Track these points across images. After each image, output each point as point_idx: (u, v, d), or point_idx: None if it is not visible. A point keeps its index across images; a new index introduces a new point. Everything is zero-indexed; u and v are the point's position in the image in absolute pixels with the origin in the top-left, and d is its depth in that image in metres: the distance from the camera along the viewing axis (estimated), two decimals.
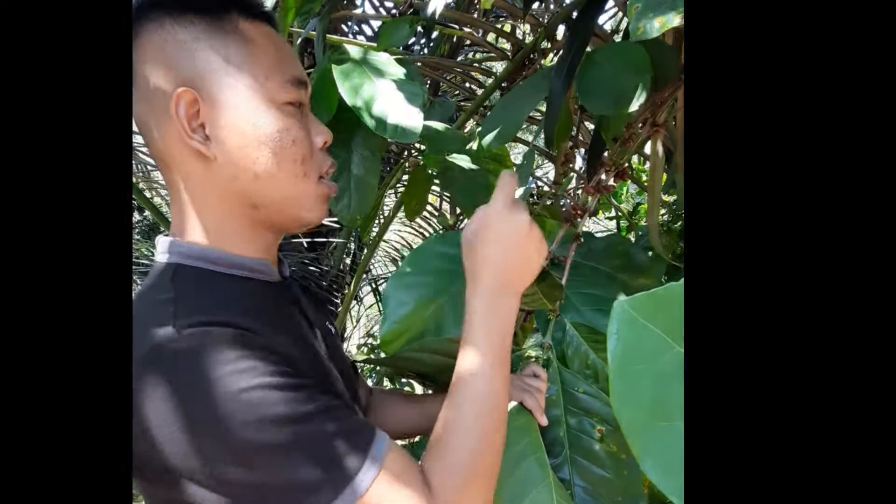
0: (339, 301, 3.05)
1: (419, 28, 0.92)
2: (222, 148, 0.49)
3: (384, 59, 0.74)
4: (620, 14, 1.29)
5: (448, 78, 1.62)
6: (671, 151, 1.02)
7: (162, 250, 0.51)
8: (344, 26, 1.86)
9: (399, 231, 2.95)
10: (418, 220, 2.42)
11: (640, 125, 0.70)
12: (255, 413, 0.40)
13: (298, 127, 0.51)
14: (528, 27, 1.42)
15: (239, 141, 0.49)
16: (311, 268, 2.95)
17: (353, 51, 0.74)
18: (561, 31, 1.16)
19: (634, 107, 0.63)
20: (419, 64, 1.30)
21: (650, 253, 0.85)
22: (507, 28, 1.60)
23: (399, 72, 0.72)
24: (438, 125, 0.94)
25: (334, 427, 0.42)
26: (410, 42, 1.63)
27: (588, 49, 0.74)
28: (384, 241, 2.79)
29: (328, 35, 1.00)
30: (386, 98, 0.69)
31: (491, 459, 0.46)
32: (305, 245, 2.86)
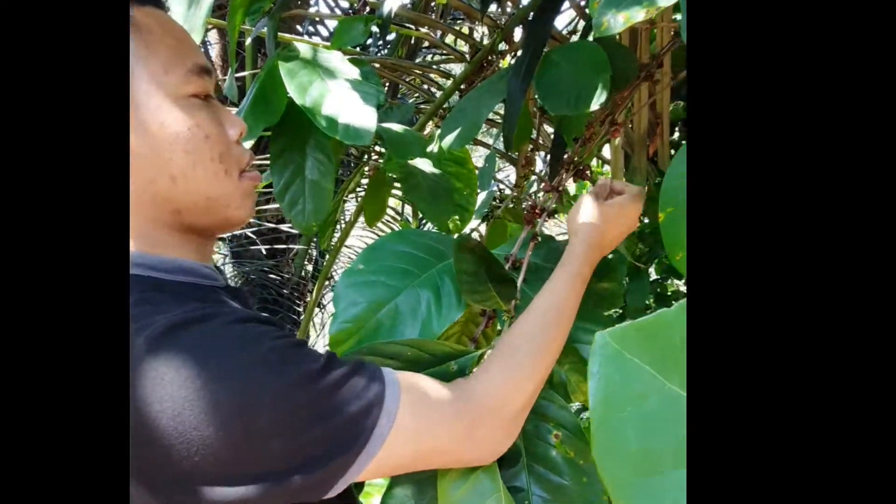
0: (301, 309, 2.99)
1: (376, 29, 0.90)
2: (133, 152, 0.45)
3: (336, 57, 0.71)
4: (577, 17, 1.30)
5: (407, 80, 1.60)
6: (629, 155, 1.03)
7: None
8: (299, 27, 1.82)
9: (361, 237, 2.92)
10: (381, 224, 2.39)
11: (601, 124, 0.70)
12: (290, 374, 0.39)
13: (210, 121, 0.47)
14: (485, 29, 1.42)
15: (148, 143, 0.45)
16: (272, 275, 2.89)
17: (303, 48, 0.72)
18: (518, 33, 1.16)
19: (595, 106, 0.62)
20: (376, 65, 1.28)
21: (610, 255, 0.85)
22: (465, 30, 1.60)
23: (352, 71, 0.70)
24: (399, 128, 0.92)
25: (345, 369, 0.42)
26: (367, 44, 1.61)
27: (545, 49, 0.74)
28: (346, 246, 2.75)
29: (282, 35, 0.98)
30: (337, 97, 0.66)
31: (540, 370, 0.50)
32: (264, 252, 2.79)
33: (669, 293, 1.97)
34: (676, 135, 1.45)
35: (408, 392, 0.43)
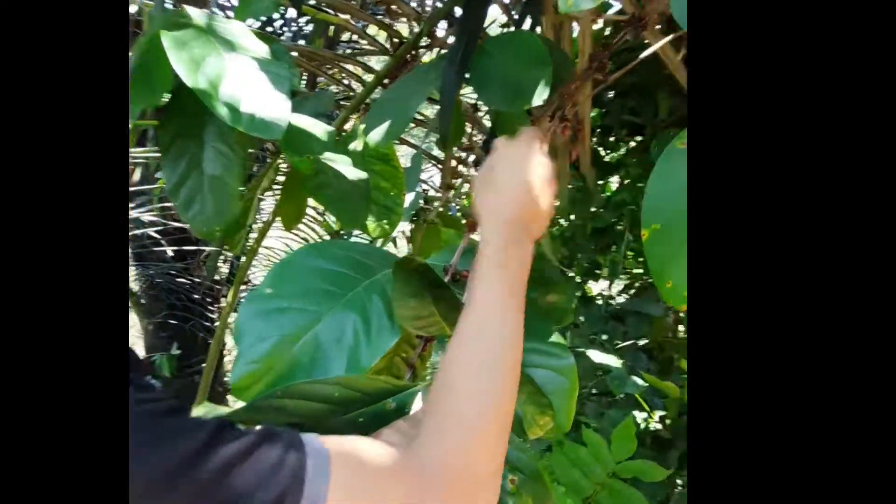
0: (214, 315, 2.78)
1: (291, 16, 0.80)
2: None
3: (238, 29, 0.58)
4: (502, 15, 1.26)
5: (328, 71, 1.50)
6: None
7: None
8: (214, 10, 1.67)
9: (281, 237, 2.75)
10: (301, 225, 2.26)
11: (549, 119, 0.65)
12: (156, 458, 0.29)
13: None
14: (409, 22, 1.36)
15: None
16: (180, 279, 2.67)
17: (196, 13, 0.58)
18: (442, 28, 1.11)
19: (537, 102, 0.56)
20: (293, 53, 1.17)
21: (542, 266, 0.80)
22: (387, 21, 1.52)
23: (258, 46, 0.57)
24: (303, 119, 0.80)
25: (243, 443, 0.32)
26: (280, 32, 1.49)
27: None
28: (265, 247, 2.58)
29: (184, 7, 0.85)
30: (239, 78, 0.53)
31: (503, 413, 0.39)
32: (171, 254, 2.58)
33: (591, 296, 1.98)
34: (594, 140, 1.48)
35: (340, 467, 0.33)
